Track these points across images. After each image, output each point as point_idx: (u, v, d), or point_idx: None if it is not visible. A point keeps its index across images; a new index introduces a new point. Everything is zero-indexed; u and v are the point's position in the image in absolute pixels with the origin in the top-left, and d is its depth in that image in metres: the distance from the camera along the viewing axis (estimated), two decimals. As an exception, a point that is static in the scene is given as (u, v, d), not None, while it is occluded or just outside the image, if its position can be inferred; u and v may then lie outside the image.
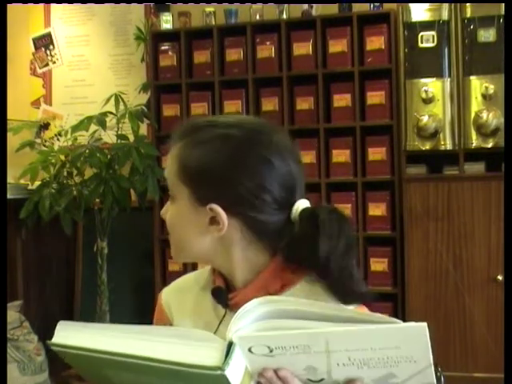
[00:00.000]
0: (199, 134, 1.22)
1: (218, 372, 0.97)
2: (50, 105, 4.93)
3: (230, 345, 1.00)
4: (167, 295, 1.36)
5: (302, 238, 1.19)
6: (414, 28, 3.83)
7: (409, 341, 0.98)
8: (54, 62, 4.93)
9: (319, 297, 1.17)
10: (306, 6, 4.17)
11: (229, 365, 0.98)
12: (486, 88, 3.69)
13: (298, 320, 1.01)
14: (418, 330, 0.96)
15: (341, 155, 4.06)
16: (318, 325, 0.99)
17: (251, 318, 1.02)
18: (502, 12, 3.64)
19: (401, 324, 0.98)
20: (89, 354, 1.03)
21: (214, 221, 1.21)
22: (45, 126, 4.85)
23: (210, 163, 1.20)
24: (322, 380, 1.05)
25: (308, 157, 4.06)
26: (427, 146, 3.80)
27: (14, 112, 4.52)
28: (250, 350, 1.00)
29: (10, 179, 3.99)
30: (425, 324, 0.96)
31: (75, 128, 4.12)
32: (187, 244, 1.25)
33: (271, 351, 1.00)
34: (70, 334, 1.05)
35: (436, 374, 1.06)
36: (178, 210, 1.24)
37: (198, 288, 1.32)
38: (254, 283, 1.22)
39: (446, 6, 3.79)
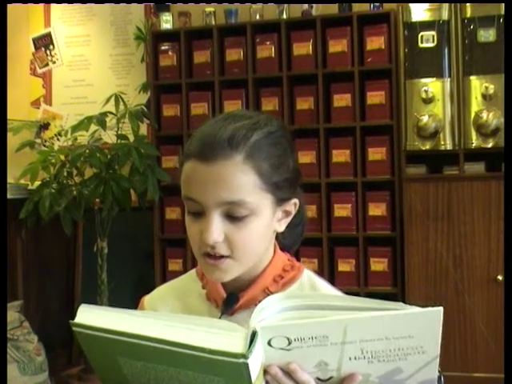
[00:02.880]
0: (252, 140, 1.15)
1: (241, 360, 0.95)
2: (50, 105, 4.93)
3: (254, 334, 0.98)
4: (151, 302, 1.33)
5: (291, 227, 1.27)
6: (414, 28, 3.83)
7: (423, 327, 0.99)
8: (54, 62, 4.93)
9: (320, 291, 1.24)
10: (306, 6, 4.17)
11: (252, 353, 0.96)
12: (486, 88, 3.69)
13: (320, 310, 1.01)
14: (435, 315, 0.99)
15: (341, 155, 4.06)
16: (339, 314, 1.00)
17: (274, 310, 1.02)
18: (502, 12, 3.64)
19: (419, 309, 1.00)
20: (107, 336, 1.01)
21: (288, 213, 1.23)
22: (45, 126, 4.86)
23: (278, 162, 1.17)
24: (330, 379, 1.05)
25: (308, 157, 4.07)
26: (427, 146, 3.80)
27: (14, 112, 4.53)
28: (269, 342, 1.00)
29: (10, 179, 3.99)
30: (441, 308, 0.99)
31: (75, 128, 4.11)
32: (260, 253, 1.21)
33: (289, 343, 1.00)
34: (91, 316, 1.04)
35: (436, 374, 1.07)
36: (263, 223, 1.16)
37: (185, 295, 1.30)
38: (257, 284, 1.23)
39: (446, 5, 3.79)
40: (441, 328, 1.00)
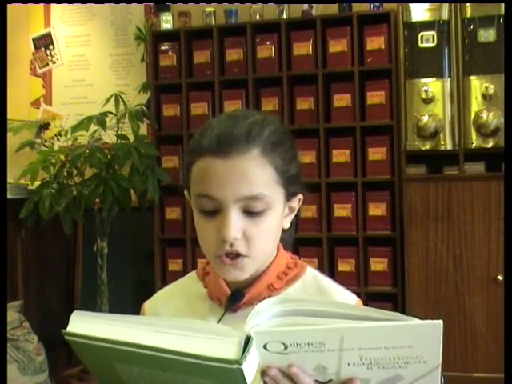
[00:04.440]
0: (265, 135, 1.16)
1: (235, 366, 0.94)
2: (50, 105, 4.93)
3: (248, 339, 0.97)
4: (153, 306, 1.33)
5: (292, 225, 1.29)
6: (414, 28, 3.83)
7: (422, 339, 0.98)
8: (54, 62, 4.93)
9: (323, 289, 1.24)
10: (306, 6, 4.17)
11: (246, 359, 0.95)
12: (486, 88, 3.69)
13: (315, 318, 1.00)
14: (434, 328, 0.97)
15: (341, 155, 4.06)
16: (334, 322, 0.99)
17: (269, 315, 1.01)
18: (502, 12, 3.64)
19: (417, 321, 0.98)
20: (101, 345, 1.00)
21: (292, 209, 1.23)
22: (45, 126, 4.86)
23: (289, 157, 1.19)
24: (329, 381, 1.05)
25: (308, 157, 4.06)
26: (427, 146, 3.80)
27: (13, 112, 4.53)
28: (265, 346, 0.99)
29: (10, 179, 3.99)
30: (440, 322, 0.96)
31: (75, 128, 4.11)
32: (271, 249, 1.22)
33: (285, 348, 0.99)
34: (84, 324, 1.03)
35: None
36: (276, 218, 1.17)
37: (188, 295, 1.30)
38: (261, 280, 1.23)
39: (446, 5, 3.79)
40: (441, 340, 0.98)
